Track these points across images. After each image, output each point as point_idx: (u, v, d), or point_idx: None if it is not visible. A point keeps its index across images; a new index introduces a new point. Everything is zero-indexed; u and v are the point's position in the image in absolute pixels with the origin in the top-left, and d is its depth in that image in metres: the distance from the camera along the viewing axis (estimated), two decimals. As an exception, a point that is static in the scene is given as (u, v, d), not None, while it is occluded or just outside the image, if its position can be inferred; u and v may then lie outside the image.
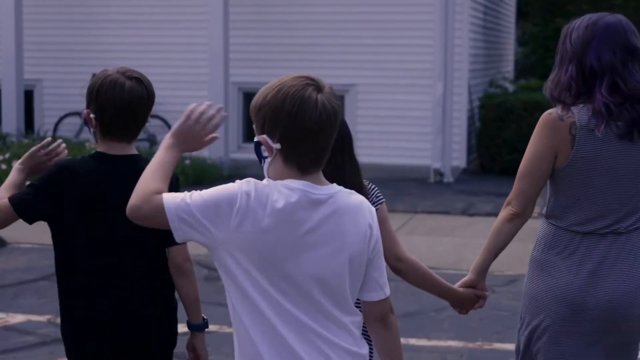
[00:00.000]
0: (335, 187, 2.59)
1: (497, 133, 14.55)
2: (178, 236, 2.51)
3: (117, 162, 3.34)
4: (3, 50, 14.85)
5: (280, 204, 2.47)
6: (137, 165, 3.25)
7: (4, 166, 12.54)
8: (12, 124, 14.80)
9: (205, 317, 3.54)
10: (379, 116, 14.82)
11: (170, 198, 2.50)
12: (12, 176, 3.43)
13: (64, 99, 15.80)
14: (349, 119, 14.91)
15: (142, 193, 2.53)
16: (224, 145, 14.23)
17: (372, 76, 14.88)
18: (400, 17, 14.76)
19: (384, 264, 2.70)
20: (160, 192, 2.52)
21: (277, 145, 2.50)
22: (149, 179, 2.57)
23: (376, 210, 3.15)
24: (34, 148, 3.48)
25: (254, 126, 2.57)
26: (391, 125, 14.78)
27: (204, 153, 14.44)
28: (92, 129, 3.38)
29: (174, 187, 3.14)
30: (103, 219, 3.30)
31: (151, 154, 10.92)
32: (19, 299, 7.32)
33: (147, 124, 3.46)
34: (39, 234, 9.67)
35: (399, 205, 11.52)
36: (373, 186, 3.36)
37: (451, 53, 14.10)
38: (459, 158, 14.83)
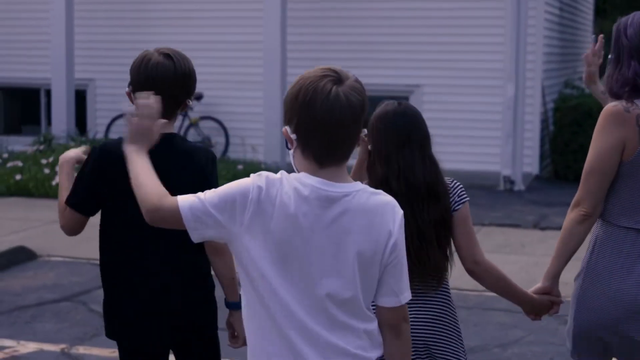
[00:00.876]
0: (355, 186, 2.53)
1: (572, 138, 13.56)
2: (194, 236, 2.52)
3: None
4: (53, 49, 14.30)
5: (289, 199, 2.46)
6: (172, 142, 3.28)
7: (47, 170, 11.91)
8: (61, 125, 14.25)
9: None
10: (445, 119, 13.90)
11: (184, 198, 2.51)
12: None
13: (117, 100, 15.16)
14: (413, 121, 14.04)
15: (152, 198, 2.55)
16: (280, 149, 13.43)
17: (438, 76, 13.98)
18: (469, 13, 13.82)
19: (405, 271, 2.60)
20: (167, 195, 2.54)
21: (294, 136, 2.49)
22: (149, 185, 2.58)
23: (458, 209, 3.30)
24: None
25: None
26: (458, 129, 13.86)
27: (259, 157, 13.71)
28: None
29: (212, 166, 3.35)
30: (132, 197, 3.22)
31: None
32: (35, 322, 6.62)
33: (190, 107, 3.51)
34: (73, 245, 9.01)
35: (465, 217, 10.61)
36: (458, 184, 3.36)
37: (523, 52, 13.12)
38: (531, 164, 13.86)
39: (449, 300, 3.39)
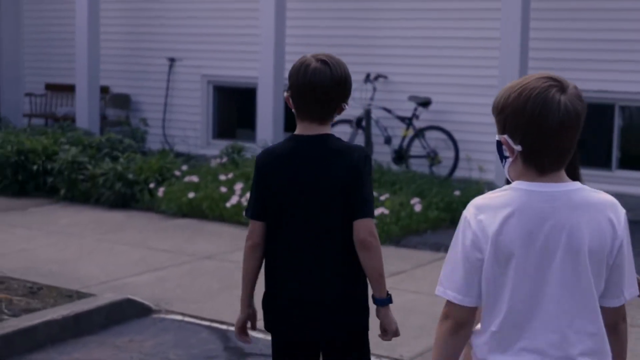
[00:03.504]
0: (576, 184, 2.58)
1: None
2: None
3: (307, 141, 3.51)
4: (261, 44, 12.56)
5: (503, 214, 2.54)
6: (325, 142, 3.51)
7: (224, 188, 10.09)
8: (267, 132, 12.47)
9: (389, 292, 3.57)
10: None
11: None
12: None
13: (335, 104, 13.25)
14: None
15: None
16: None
17: None
18: None
19: (633, 267, 2.63)
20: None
21: (519, 147, 2.55)
22: None
23: None
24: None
25: (496, 124, 2.61)
26: None
27: (488, 177, 11.21)
28: (294, 111, 3.56)
29: (364, 163, 3.49)
30: (289, 195, 3.49)
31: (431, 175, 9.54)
32: None
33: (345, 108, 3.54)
34: (207, 296, 7.06)
35: None
36: None
37: None
38: None
39: None
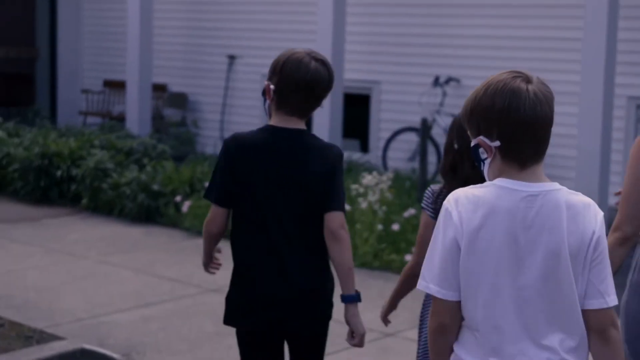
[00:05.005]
0: (554, 185, 2.57)
1: None
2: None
3: (284, 134, 3.53)
4: (319, 41, 11.34)
5: (482, 211, 2.52)
6: (302, 138, 3.55)
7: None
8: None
9: (358, 290, 3.58)
10: None
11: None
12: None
13: (402, 109, 11.97)
14: None
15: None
16: (598, 185, 9.39)
17: None
18: None
19: (609, 272, 2.60)
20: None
21: (496, 143, 2.53)
22: None
23: None
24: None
25: (468, 132, 2.61)
26: None
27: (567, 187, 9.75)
28: (267, 101, 3.58)
29: (339, 162, 3.56)
30: (264, 186, 3.49)
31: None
32: None
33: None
34: (186, 346, 5.92)
35: None
36: None
37: None
38: None
39: None
